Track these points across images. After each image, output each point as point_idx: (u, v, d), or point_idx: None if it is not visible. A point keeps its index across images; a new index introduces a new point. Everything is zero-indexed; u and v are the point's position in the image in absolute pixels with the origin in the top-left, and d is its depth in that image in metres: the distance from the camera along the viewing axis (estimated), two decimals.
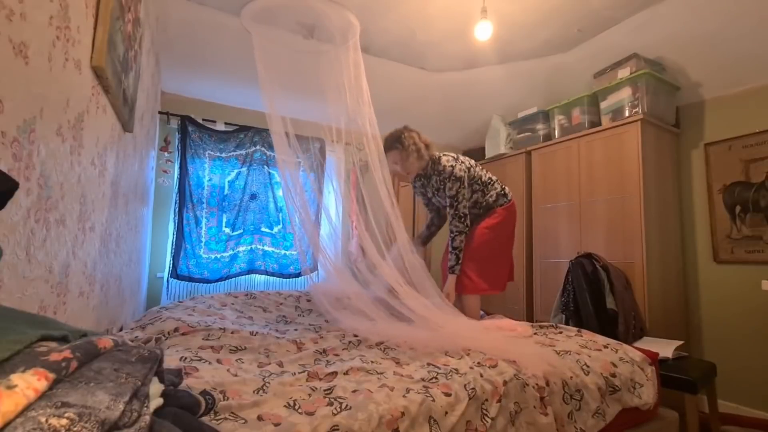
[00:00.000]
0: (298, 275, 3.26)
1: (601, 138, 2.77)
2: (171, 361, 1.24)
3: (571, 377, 1.39)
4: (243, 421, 0.91)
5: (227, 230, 3.07)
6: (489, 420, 1.15)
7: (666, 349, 2.03)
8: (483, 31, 2.24)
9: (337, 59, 2.11)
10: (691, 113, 2.82)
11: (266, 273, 3.19)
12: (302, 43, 2.48)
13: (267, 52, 2.00)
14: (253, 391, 1.06)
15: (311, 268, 3.34)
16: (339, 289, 2.13)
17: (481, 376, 1.26)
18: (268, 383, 1.12)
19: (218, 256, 3.02)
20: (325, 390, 1.10)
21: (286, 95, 2.86)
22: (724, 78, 2.59)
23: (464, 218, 2.14)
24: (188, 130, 2.95)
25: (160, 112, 2.87)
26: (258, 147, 3.18)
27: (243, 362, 1.34)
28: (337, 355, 1.47)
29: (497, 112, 3.61)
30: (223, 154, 3.09)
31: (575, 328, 1.94)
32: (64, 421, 0.36)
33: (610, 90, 2.73)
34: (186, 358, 1.28)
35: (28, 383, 0.37)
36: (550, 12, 2.44)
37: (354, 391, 1.10)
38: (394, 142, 2.17)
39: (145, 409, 0.47)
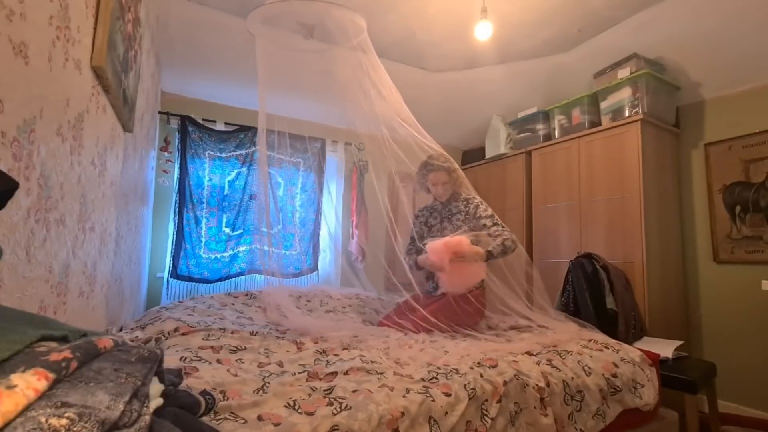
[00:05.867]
0: (299, 275, 3.27)
1: (601, 138, 2.76)
2: (171, 361, 1.24)
3: (573, 378, 1.39)
4: (243, 421, 0.91)
5: (227, 230, 3.07)
6: (489, 420, 1.15)
7: (666, 349, 2.03)
8: (483, 31, 2.24)
9: (342, 59, 2.12)
10: (691, 113, 2.82)
11: (266, 273, 3.19)
12: (306, 44, 2.48)
13: (270, 55, 2.00)
14: (253, 391, 1.07)
15: (311, 268, 3.35)
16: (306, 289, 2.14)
17: (481, 376, 1.26)
18: (268, 383, 1.12)
19: (218, 256, 3.02)
20: (325, 390, 1.10)
21: (288, 96, 2.87)
22: (724, 78, 2.59)
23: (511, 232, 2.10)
24: (188, 130, 2.95)
25: (160, 112, 2.87)
26: (258, 147, 3.18)
27: (243, 362, 1.34)
28: (337, 355, 1.47)
29: (497, 112, 3.61)
30: (223, 154, 3.09)
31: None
32: (64, 421, 0.36)
33: (610, 90, 2.73)
34: (186, 358, 1.28)
35: (28, 383, 0.37)
36: (550, 12, 2.44)
37: (354, 391, 1.10)
38: (449, 163, 2.22)
39: (145, 409, 0.47)
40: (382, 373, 1.26)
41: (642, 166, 2.51)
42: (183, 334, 1.53)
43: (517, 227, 3.39)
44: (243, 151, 3.15)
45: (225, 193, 3.09)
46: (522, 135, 3.43)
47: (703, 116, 2.76)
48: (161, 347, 0.62)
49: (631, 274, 2.49)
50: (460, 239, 1.92)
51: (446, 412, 1.09)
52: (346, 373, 1.25)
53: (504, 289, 2.08)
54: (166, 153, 2.92)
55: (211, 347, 1.43)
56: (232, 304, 2.19)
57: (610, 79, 2.74)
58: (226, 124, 3.13)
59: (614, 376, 1.49)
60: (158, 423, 0.50)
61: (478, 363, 1.36)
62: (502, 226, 2.10)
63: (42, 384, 0.38)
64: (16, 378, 0.37)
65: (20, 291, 0.78)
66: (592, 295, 2.33)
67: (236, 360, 1.35)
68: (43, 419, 0.36)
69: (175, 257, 2.85)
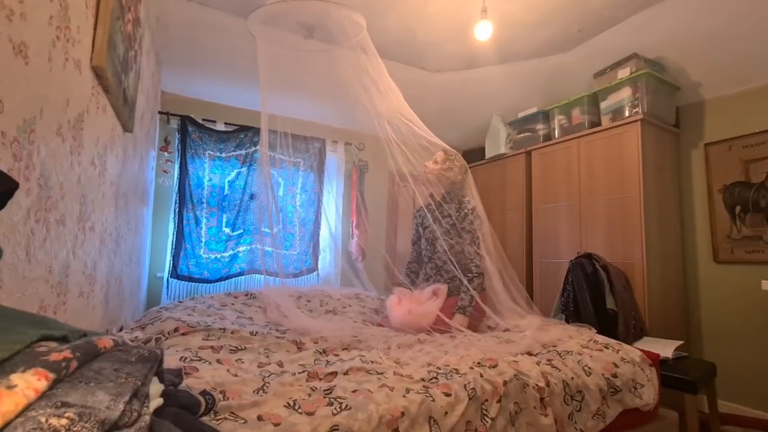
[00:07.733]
0: (299, 275, 3.27)
1: (601, 138, 2.76)
2: (171, 361, 1.24)
3: (573, 378, 1.39)
4: (243, 421, 0.91)
5: (227, 230, 3.07)
6: (489, 420, 1.15)
7: (666, 349, 2.03)
8: (483, 31, 2.24)
9: (343, 58, 2.12)
10: (691, 113, 2.82)
11: (266, 273, 3.19)
12: (307, 45, 2.48)
13: (271, 56, 2.01)
14: (253, 391, 1.06)
15: (310, 268, 3.35)
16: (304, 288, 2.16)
17: (481, 376, 1.26)
18: (268, 383, 1.12)
19: (218, 256, 3.02)
20: (325, 390, 1.10)
21: (289, 96, 2.87)
22: (724, 78, 2.59)
23: (483, 259, 2.07)
24: (188, 130, 2.95)
25: (160, 112, 2.87)
26: (258, 147, 3.18)
27: (243, 362, 1.34)
28: (337, 355, 1.47)
29: (497, 112, 3.61)
30: (223, 154, 3.09)
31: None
32: (64, 421, 0.36)
33: (610, 90, 2.73)
34: (186, 358, 1.28)
35: (28, 383, 0.37)
36: (550, 12, 2.44)
37: (354, 391, 1.10)
38: (446, 149, 2.25)
39: (145, 409, 0.47)
40: (382, 373, 1.26)
41: (642, 166, 2.51)
42: (183, 334, 1.53)
43: (517, 227, 3.40)
44: (243, 151, 3.15)
45: (225, 193, 3.09)
46: (522, 135, 3.43)
47: (703, 116, 2.76)
48: (161, 347, 0.62)
49: (631, 274, 2.49)
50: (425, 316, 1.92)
51: (446, 412, 1.09)
52: (346, 373, 1.25)
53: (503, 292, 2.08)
54: (166, 153, 2.92)
55: (211, 347, 1.43)
56: (232, 304, 2.18)
57: (610, 79, 2.74)
58: (226, 124, 3.13)
59: (614, 376, 1.49)
60: (158, 423, 0.50)
61: (478, 363, 1.36)
62: (477, 248, 2.07)
63: (42, 384, 0.38)
64: (16, 378, 0.37)
65: (20, 291, 0.78)
66: (592, 295, 2.33)
67: (236, 360, 1.35)
68: (43, 419, 0.36)
69: (175, 257, 2.85)
